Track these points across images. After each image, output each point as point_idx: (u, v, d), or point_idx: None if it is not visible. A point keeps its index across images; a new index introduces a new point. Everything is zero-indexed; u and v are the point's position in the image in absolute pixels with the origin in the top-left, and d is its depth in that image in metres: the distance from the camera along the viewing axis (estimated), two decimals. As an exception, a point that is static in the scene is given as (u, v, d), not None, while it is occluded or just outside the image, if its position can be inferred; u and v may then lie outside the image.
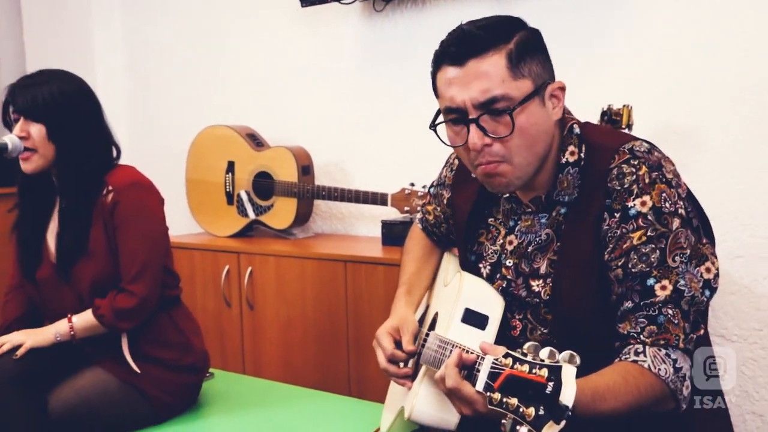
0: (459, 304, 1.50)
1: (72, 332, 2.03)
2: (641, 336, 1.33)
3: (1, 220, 2.33)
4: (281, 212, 3.00)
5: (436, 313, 1.62)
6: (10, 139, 1.99)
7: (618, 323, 1.37)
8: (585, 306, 1.40)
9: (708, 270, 1.37)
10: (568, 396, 1.03)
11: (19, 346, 1.98)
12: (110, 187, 2.05)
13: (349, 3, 2.94)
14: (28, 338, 2.00)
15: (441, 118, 1.41)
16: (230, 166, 3.12)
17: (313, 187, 2.93)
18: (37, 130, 2.03)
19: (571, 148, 1.44)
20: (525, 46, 1.36)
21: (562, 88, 1.42)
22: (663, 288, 1.33)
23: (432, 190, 1.80)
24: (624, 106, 2.19)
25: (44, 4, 3.95)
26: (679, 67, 2.38)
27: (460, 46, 1.35)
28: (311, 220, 3.20)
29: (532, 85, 1.35)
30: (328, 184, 3.10)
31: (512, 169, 1.37)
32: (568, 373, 1.05)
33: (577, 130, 1.46)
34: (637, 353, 1.32)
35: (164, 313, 2.14)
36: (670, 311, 1.33)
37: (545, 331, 1.47)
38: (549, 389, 1.03)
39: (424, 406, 1.45)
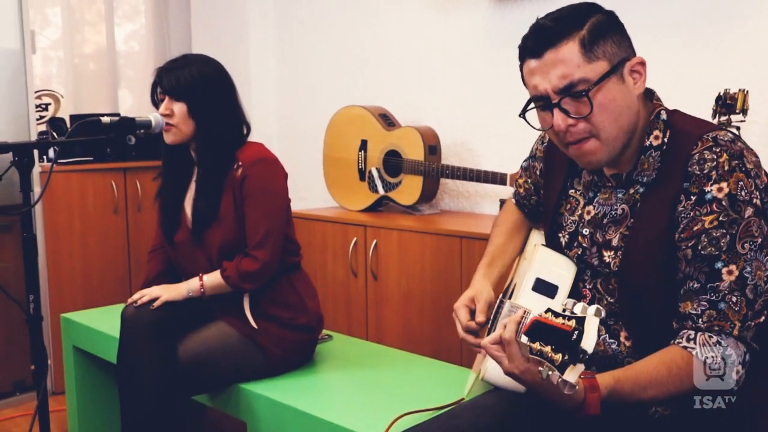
0: (531, 273, 1.60)
1: (202, 290, 2.28)
2: (699, 319, 1.39)
3: (148, 189, 2.62)
4: (408, 189, 3.15)
5: (515, 284, 1.71)
6: (154, 117, 2.25)
7: (680, 301, 1.42)
8: (650, 280, 1.46)
9: None
10: (588, 343, 1.16)
11: (156, 299, 2.25)
12: (240, 163, 2.27)
13: (479, -12, 3.03)
14: (164, 292, 2.27)
15: (531, 105, 1.52)
16: (363, 145, 3.30)
17: (438, 166, 3.05)
18: (179, 108, 2.27)
19: (656, 132, 1.50)
20: (598, 30, 1.44)
21: (642, 63, 1.49)
22: (730, 273, 1.38)
23: (524, 163, 1.89)
24: (740, 90, 2.16)
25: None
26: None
27: (536, 40, 1.46)
28: (440, 197, 3.33)
29: (607, 65, 1.43)
30: (455, 163, 3.21)
31: (600, 144, 1.46)
32: (592, 323, 1.18)
33: (663, 116, 1.52)
34: (688, 339, 1.39)
35: (284, 277, 2.35)
36: (734, 298, 1.37)
37: (612, 300, 1.54)
38: (574, 337, 1.16)
39: (495, 367, 1.56)
